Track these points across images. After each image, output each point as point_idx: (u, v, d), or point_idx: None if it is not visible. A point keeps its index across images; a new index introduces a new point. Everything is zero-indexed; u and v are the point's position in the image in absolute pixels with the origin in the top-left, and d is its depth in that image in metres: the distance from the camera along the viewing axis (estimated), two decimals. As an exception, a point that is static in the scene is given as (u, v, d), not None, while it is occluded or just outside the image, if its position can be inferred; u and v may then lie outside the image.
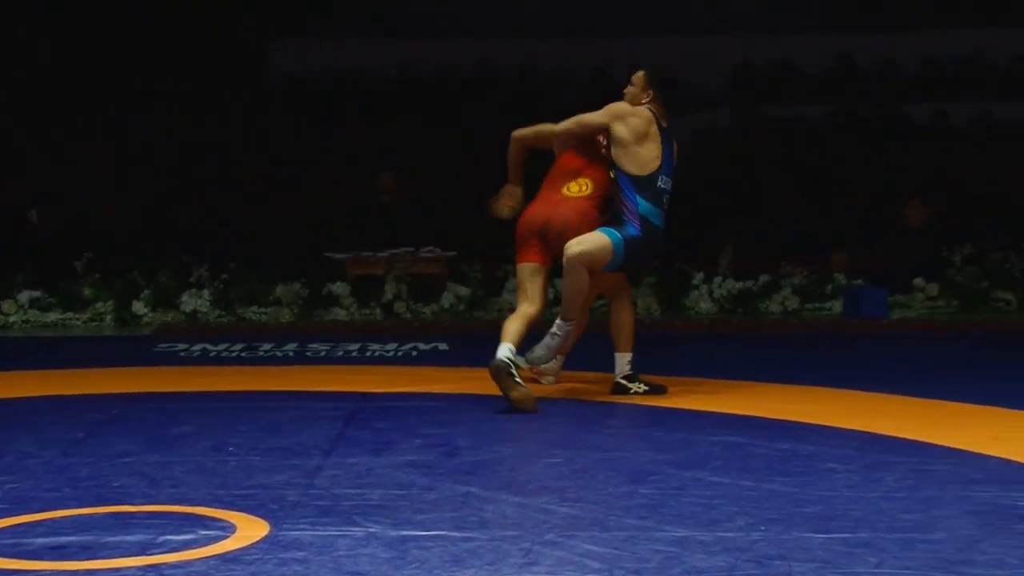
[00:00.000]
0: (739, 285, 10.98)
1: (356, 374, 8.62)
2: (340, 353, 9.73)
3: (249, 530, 4.81)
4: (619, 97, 7.46)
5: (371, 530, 4.84)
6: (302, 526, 4.87)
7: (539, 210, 7.47)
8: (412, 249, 11.47)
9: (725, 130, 13.86)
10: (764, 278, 11.01)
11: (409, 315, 11.08)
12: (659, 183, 7.30)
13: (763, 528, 5.24)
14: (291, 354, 9.71)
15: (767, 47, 14.99)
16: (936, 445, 6.58)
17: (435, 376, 8.53)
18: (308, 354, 9.72)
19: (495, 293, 11.21)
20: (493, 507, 5.44)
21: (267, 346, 10.02)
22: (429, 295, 11.18)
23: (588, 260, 7.19)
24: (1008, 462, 6.26)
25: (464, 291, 11.15)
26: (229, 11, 15.59)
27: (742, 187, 12.63)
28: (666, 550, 4.96)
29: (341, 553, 4.55)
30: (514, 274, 7.82)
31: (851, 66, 14.88)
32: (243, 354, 9.72)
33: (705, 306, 10.92)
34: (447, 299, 11.12)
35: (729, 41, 15.20)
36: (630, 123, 7.30)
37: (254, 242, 12.25)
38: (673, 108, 7.49)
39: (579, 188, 7.49)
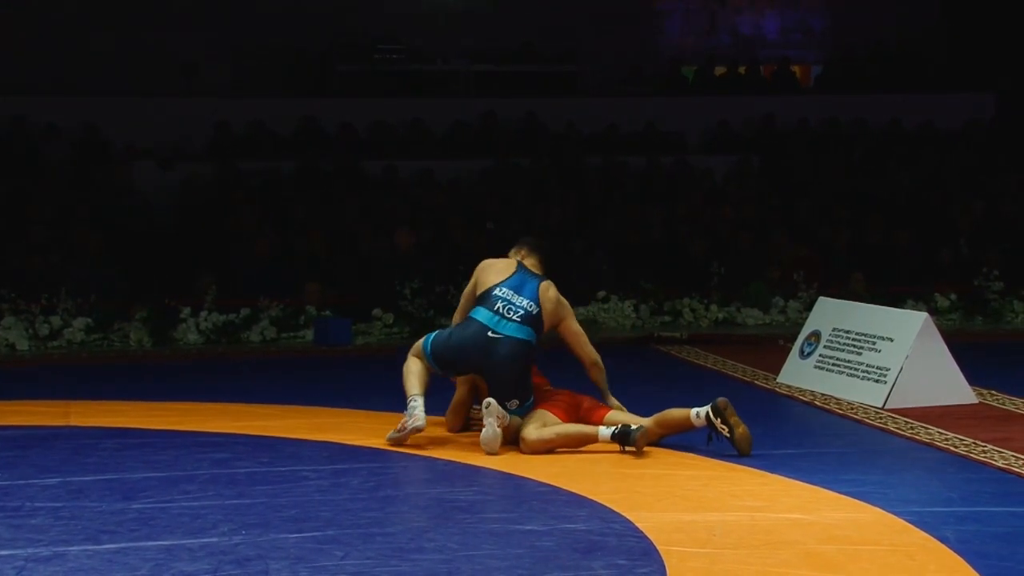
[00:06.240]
0: (223, 318, 10.82)
1: None
2: None
3: None
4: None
5: None
6: None
7: None
8: None
9: (209, 182, 13.62)
10: (245, 311, 10.90)
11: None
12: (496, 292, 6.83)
13: (244, 532, 5.18)
14: None
15: (241, 111, 14.95)
16: (393, 451, 6.71)
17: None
18: None
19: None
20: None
21: None
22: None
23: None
24: (451, 463, 6.48)
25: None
26: None
27: (224, 232, 12.45)
28: (155, 558, 4.81)
29: None
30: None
31: (315, 128, 15.05)
32: None
33: (192, 337, 10.69)
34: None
35: (209, 103, 15.07)
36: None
37: None
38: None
39: None
